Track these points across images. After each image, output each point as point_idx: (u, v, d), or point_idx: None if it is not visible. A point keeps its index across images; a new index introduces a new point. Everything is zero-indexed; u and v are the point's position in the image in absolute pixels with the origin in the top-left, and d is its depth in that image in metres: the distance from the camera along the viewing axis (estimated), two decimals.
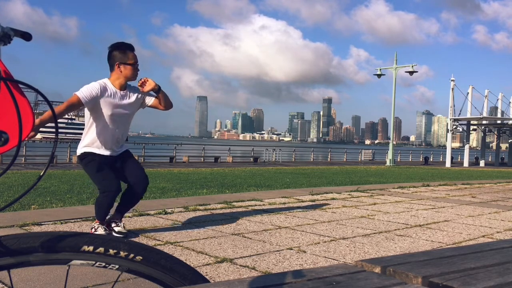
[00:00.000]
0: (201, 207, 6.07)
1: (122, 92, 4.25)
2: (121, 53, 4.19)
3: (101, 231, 4.22)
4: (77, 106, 4.07)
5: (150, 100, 4.40)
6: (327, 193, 8.40)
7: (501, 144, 43.96)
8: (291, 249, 4.02)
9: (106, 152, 4.26)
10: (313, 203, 7.06)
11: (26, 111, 0.85)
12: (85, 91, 4.05)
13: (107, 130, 4.22)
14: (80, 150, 4.28)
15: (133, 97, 4.31)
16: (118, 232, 4.26)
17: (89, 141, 4.24)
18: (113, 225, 4.34)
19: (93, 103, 4.10)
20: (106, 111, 4.16)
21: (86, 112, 4.22)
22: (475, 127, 36.99)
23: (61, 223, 4.75)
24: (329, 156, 37.04)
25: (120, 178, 4.33)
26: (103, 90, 4.13)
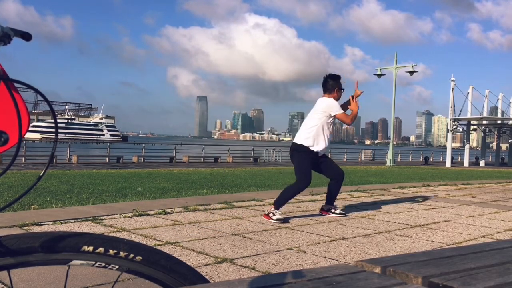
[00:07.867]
0: (201, 207, 6.07)
1: None
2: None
3: (278, 216, 5.31)
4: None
5: None
6: (326, 193, 8.37)
7: (501, 144, 43.96)
8: (291, 249, 4.02)
9: None
10: (313, 203, 7.06)
11: (21, 110, 0.85)
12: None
13: None
14: None
15: None
16: (339, 213, 5.88)
17: None
18: (332, 210, 5.91)
19: None
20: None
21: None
22: (475, 127, 36.98)
23: (61, 223, 4.75)
24: (329, 156, 37.04)
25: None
26: None
